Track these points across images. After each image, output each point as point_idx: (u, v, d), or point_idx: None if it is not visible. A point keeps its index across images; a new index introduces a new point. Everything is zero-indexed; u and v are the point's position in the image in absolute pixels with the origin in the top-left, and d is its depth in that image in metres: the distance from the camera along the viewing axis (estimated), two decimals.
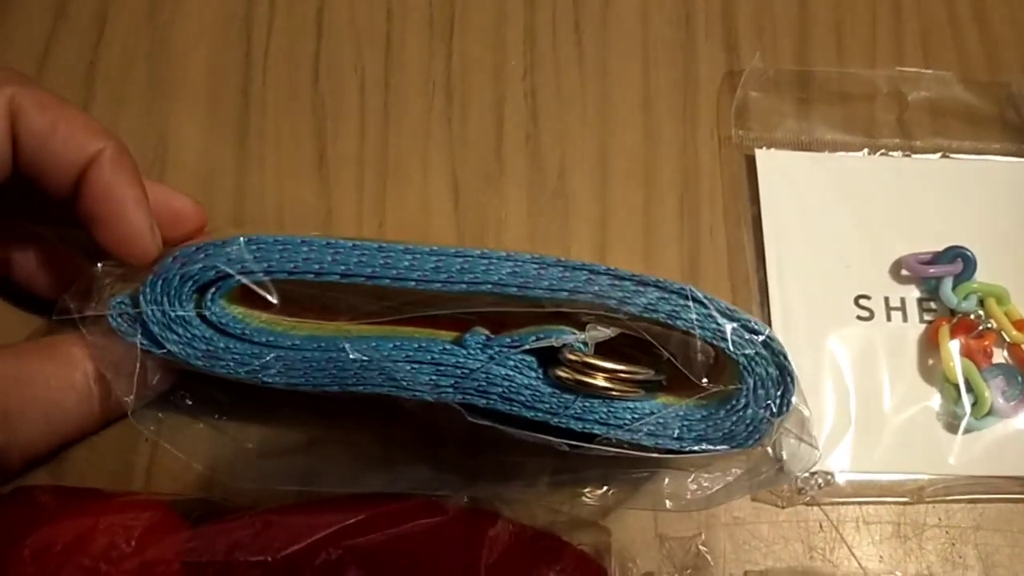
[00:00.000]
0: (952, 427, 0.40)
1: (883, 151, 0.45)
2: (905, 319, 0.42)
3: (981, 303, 0.42)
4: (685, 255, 0.43)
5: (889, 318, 0.42)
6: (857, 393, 0.40)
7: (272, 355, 0.32)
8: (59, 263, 0.36)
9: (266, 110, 0.44)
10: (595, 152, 0.45)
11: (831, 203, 0.44)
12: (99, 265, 0.33)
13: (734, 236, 0.43)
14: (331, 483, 0.37)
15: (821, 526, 0.39)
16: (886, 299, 0.42)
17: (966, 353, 0.41)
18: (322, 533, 0.31)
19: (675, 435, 0.32)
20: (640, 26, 0.47)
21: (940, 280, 0.42)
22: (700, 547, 0.38)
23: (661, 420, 0.32)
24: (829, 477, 0.39)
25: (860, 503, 0.39)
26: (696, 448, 0.32)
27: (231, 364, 0.32)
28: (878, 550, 0.39)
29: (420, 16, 0.46)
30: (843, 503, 0.39)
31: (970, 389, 0.40)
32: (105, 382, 0.32)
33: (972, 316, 0.41)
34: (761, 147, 0.44)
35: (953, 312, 0.42)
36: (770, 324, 0.41)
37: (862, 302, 0.42)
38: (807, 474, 0.39)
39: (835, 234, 0.43)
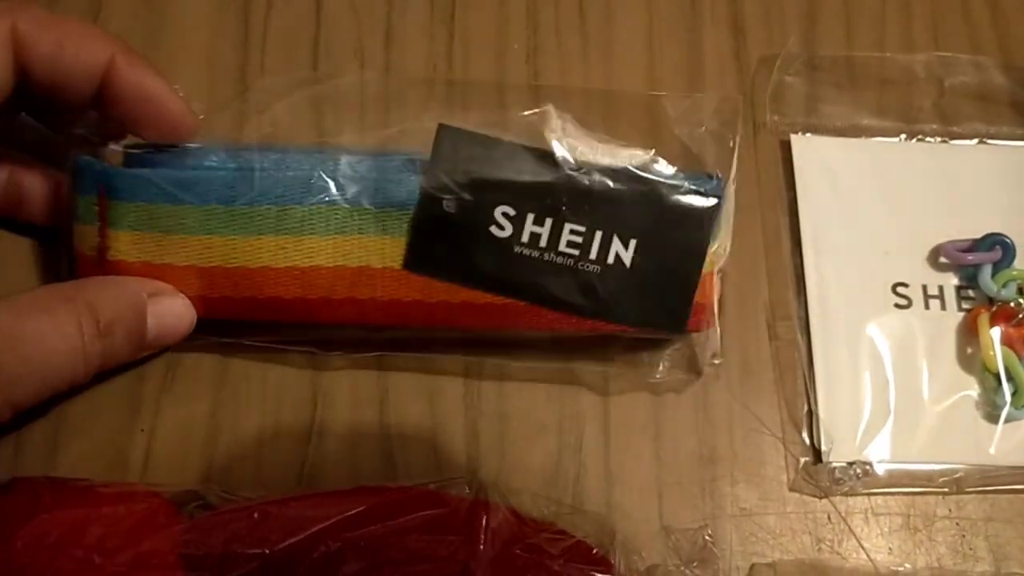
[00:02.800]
0: (992, 417, 0.39)
1: (920, 137, 0.44)
2: (944, 307, 0.41)
3: (1020, 291, 0.41)
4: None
5: (927, 306, 0.41)
6: (896, 382, 0.40)
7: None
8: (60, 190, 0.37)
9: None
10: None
11: (868, 189, 0.43)
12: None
13: (770, 222, 0.42)
14: None
15: (829, 518, 0.38)
16: (924, 287, 0.42)
17: (1006, 341, 0.40)
18: (321, 525, 0.31)
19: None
20: (644, 9, 0.46)
21: (979, 268, 0.41)
22: (706, 538, 0.37)
23: None
24: (867, 467, 0.38)
25: (891, 494, 0.39)
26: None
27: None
28: (887, 542, 0.38)
29: (420, 25, 0.45)
30: (879, 494, 0.39)
31: (1010, 378, 0.39)
32: (100, 336, 0.32)
33: (1011, 304, 0.41)
34: (796, 132, 0.44)
35: (992, 300, 0.41)
36: (807, 311, 0.41)
37: (900, 290, 0.41)
38: (845, 464, 0.38)
39: (872, 220, 0.43)
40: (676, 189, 0.35)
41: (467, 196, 0.34)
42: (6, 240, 0.39)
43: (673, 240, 0.35)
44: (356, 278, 0.34)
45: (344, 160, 0.34)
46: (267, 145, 0.36)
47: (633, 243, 0.34)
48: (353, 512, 0.31)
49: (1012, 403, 0.39)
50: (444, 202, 0.34)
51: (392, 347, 0.38)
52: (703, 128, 0.37)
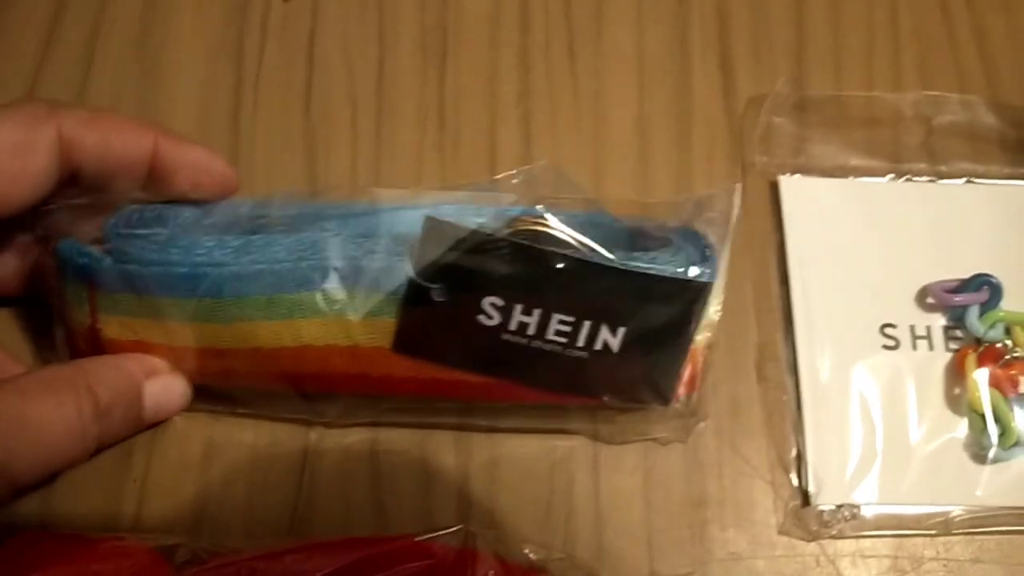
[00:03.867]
0: (979, 458, 0.40)
1: (908, 176, 0.45)
2: (931, 348, 0.42)
3: (1008, 331, 0.41)
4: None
5: (915, 347, 0.42)
6: (884, 424, 0.40)
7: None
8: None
9: (256, 140, 0.44)
10: (591, 178, 0.44)
11: (856, 229, 0.43)
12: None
13: (758, 263, 0.43)
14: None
15: (818, 560, 0.38)
16: (912, 327, 0.42)
17: (992, 382, 0.40)
18: None
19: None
20: (634, 50, 0.47)
21: (966, 308, 0.41)
22: None
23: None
24: (856, 510, 0.39)
25: (879, 536, 0.39)
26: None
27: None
28: None
29: (412, 42, 0.46)
30: (868, 536, 0.39)
31: (997, 419, 0.40)
32: (99, 418, 0.33)
33: (999, 345, 0.41)
34: (785, 173, 0.44)
35: (979, 341, 0.41)
36: (795, 352, 0.41)
37: (888, 331, 0.42)
38: (833, 507, 0.39)
39: (860, 261, 0.43)
40: (664, 276, 0.34)
41: (455, 286, 0.34)
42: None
43: (662, 324, 0.34)
44: (346, 356, 0.35)
45: (332, 244, 0.34)
46: (262, 203, 0.37)
47: (621, 331, 0.34)
48: (340, 565, 0.31)
49: (999, 444, 0.39)
50: (432, 291, 0.33)
51: (385, 413, 0.38)
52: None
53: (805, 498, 0.39)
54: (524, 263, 0.33)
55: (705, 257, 0.34)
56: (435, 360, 0.35)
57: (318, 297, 0.34)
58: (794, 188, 0.44)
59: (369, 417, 0.38)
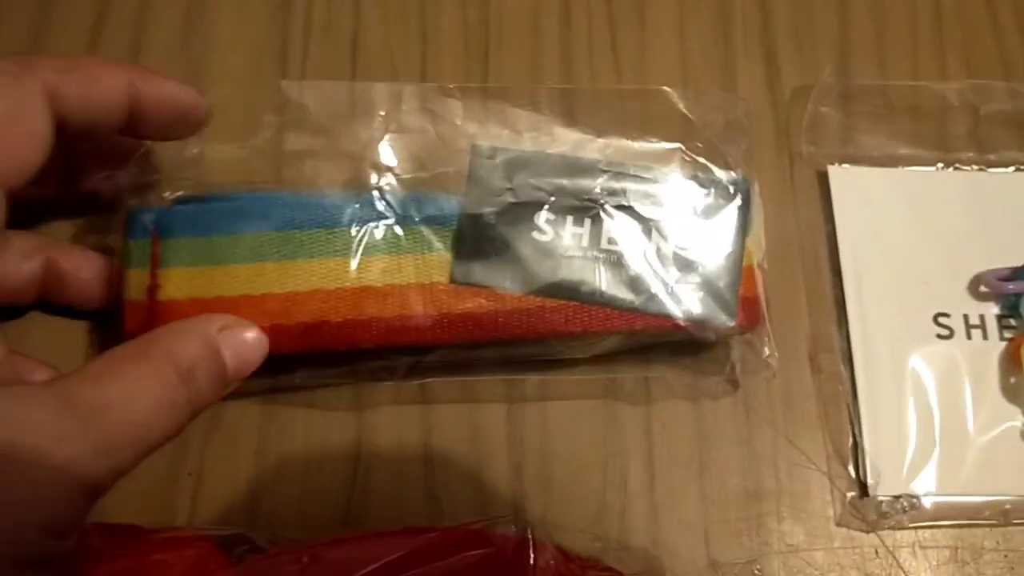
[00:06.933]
0: None
1: (957, 165, 0.44)
2: (985, 337, 0.41)
3: None
4: (760, 274, 0.42)
5: (969, 336, 0.41)
6: (940, 414, 0.39)
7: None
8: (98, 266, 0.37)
9: None
10: None
11: (906, 218, 0.43)
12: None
13: (809, 253, 0.42)
14: None
15: (877, 552, 0.38)
16: (965, 316, 0.41)
17: None
18: (368, 568, 0.31)
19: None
20: (677, 43, 0.47)
21: (1019, 296, 0.41)
22: (755, 573, 0.37)
23: None
24: (915, 500, 0.38)
25: (939, 527, 0.38)
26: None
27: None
28: (935, 575, 0.38)
29: (455, 37, 0.46)
30: (927, 527, 0.38)
31: None
32: (184, 383, 0.31)
33: None
34: (833, 163, 0.44)
35: None
36: (849, 343, 0.41)
37: (941, 320, 0.41)
38: (892, 498, 0.38)
39: (911, 250, 0.42)
40: (705, 183, 0.37)
41: (506, 207, 0.36)
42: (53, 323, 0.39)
43: (709, 232, 0.37)
44: (405, 296, 0.35)
45: (388, 186, 0.36)
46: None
47: (672, 236, 0.36)
48: (400, 554, 0.31)
49: None
50: (485, 215, 0.35)
51: (437, 371, 0.38)
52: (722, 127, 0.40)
53: (863, 489, 0.39)
54: (571, 173, 0.36)
55: (734, 173, 0.38)
56: (494, 286, 0.35)
57: (376, 233, 0.35)
58: (843, 177, 0.43)
59: (420, 377, 0.38)
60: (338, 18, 0.46)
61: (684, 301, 0.36)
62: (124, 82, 0.34)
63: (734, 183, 0.37)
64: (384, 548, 0.31)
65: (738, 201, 0.37)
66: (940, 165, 0.44)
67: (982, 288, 0.42)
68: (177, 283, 0.35)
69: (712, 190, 0.37)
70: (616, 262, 0.36)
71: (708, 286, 0.36)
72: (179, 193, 0.36)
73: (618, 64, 0.46)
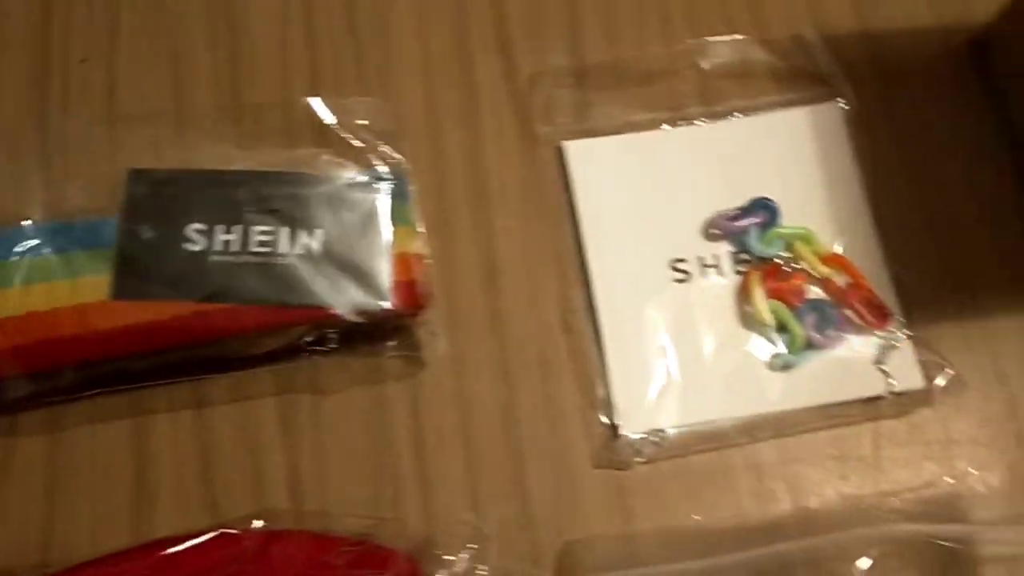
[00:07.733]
0: (772, 367, 0.43)
1: (687, 121, 0.48)
2: (721, 274, 0.45)
3: (789, 247, 0.44)
4: (516, 246, 0.45)
5: (705, 275, 0.44)
6: (679, 351, 0.43)
7: None
8: None
9: None
10: None
11: (639, 179, 0.46)
12: None
13: (555, 227, 0.46)
14: None
15: (635, 488, 0.41)
16: (700, 259, 0.45)
17: (777, 295, 0.43)
18: None
19: None
20: (420, 54, 0.49)
21: (747, 232, 0.44)
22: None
23: None
24: (661, 433, 0.41)
25: (686, 454, 0.42)
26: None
27: None
28: (694, 501, 0.41)
29: (207, 78, 0.48)
30: (678, 456, 0.42)
31: (784, 328, 0.43)
32: None
33: (779, 261, 0.44)
34: (569, 139, 0.47)
35: (763, 260, 0.44)
36: (594, 303, 0.44)
37: (679, 265, 0.45)
38: (642, 434, 0.41)
39: (647, 207, 0.46)
40: (351, 183, 0.42)
41: (161, 223, 0.40)
42: None
43: (356, 226, 0.41)
44: (71, 317, 0.39)
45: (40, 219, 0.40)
46: None
47: (319, 232, 0.40)
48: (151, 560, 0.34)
49: (789, 351, 0.42)
50: (140, 232, 0.40)
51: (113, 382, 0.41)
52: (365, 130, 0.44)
53: (615, 432, 0.42)
54: (221, 187, 0.41)
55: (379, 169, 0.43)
56: (151, 297, 0.39)
57: (34, 263, 0.39)
58: (579, 151, 0.47)
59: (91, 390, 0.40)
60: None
61: (336, 291, 0.39)
62: None
63: (380, 180, 0.42)
64: (131, 564, 0.34)
65: (385, 196, 0.41)
66: (670, 124, 0.48)
67: (713, 230, 0.45)
68: None
69: (358, 188, 0.41)
70: (266, 262, 0.40)
71: (358, 275, 0.40)
72: None
73: (363, 77, 0.49)
